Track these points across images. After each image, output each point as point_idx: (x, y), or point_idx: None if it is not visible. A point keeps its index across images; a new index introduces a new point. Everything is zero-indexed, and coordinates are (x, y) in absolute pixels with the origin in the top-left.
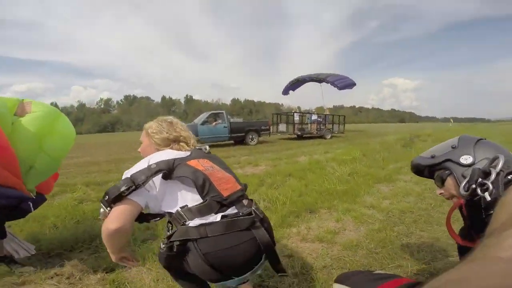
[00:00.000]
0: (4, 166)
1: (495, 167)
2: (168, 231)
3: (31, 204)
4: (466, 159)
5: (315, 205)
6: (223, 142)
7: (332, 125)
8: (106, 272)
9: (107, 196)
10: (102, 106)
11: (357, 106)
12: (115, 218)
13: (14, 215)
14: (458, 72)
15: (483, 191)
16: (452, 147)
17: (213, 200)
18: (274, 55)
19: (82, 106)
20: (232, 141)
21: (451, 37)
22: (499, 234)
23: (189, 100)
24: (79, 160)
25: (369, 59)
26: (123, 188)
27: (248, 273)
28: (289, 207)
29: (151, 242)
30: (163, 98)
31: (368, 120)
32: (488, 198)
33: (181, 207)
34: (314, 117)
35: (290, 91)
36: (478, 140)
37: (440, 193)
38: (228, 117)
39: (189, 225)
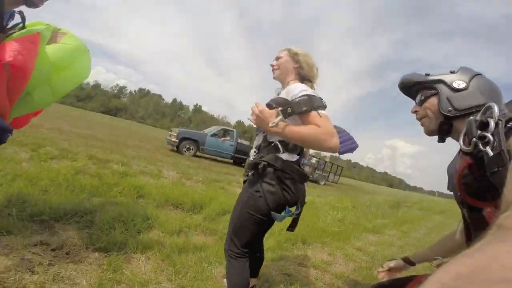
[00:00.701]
0: (10, 90)
1: (491, 116)
2: (258, 151)
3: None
4: (459, 84)
5: (309, 238)
6: (224, 159)
7: (329, 173)
8: (99, 251)
9: (305, 107)
10: (115, 92)
11: (352, 161)
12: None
13: None
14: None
15: (484, 144)
16: (451, 72)
17: (300, 151)
18: None
19: (97, 86)
20: (231, 161)
21: None
22: None
23: (197, 109)
24: (83, 132)
25: (381, 113)
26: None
27: (296, 211)
28: (285, 235)
29: (149, 231)
30: (174, 100)
31: (360, 178)
32: (491, 153)
33: (279, 141)
34: (313, 160)
35: None
36: (479, 73)
37: (415, 111)
38: (237, 137)
39: (281, 157)
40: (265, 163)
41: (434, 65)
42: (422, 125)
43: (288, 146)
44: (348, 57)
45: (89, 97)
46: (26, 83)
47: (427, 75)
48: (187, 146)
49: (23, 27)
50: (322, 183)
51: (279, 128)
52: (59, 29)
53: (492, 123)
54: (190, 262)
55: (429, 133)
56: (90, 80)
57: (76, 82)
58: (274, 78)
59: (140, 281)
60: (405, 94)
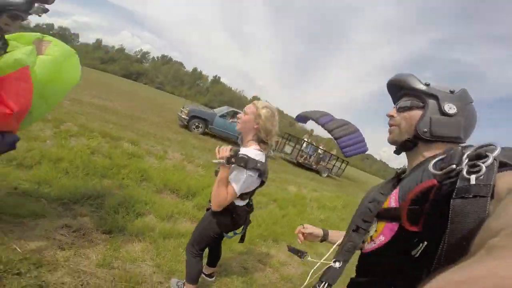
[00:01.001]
0: (20, 115)
1: (491, 151)
2: None
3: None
4: (450, 108)
5: (281, 237)
6: (231, 140)
7: (333, 166)
8: (105, 233)
9: (242, 163)
10: (138, 56)
11: (366, 153)
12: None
13: None
14: None
15: (470, 173)
16: (450, 91)
17: (248, 197)
18: (310, 71)
19: (121, 50)
20: (238, 142)
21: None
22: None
23: (216, 80)
24: (102, 104)
25: None
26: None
27: (242, 231)
28: (261, 230)
29: (145, 216)
30: (194, 69)
31: (371, 171)
32: (473, 182)
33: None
34: (319, 151)
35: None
36: (472, 101)
37: (390, 115)
38: None
39: (236, 204)
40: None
41: (472, 69)
42: (389, 131)
43: (241, 195)
44: (382, 49)
45: (112, 60)
46: (27, 113)
47: (427, 84)
48: (196, 124)
49: (5, 49)
50: (325, 175)
51: (220, 165)
52: (43, 36)
53: (491, 158)
54: (170, 246)
55: (392, 142)
56: (116, 43)
57: (67, 88)
58: (237, 129)
59: (131, 258)
60: (390, 92)
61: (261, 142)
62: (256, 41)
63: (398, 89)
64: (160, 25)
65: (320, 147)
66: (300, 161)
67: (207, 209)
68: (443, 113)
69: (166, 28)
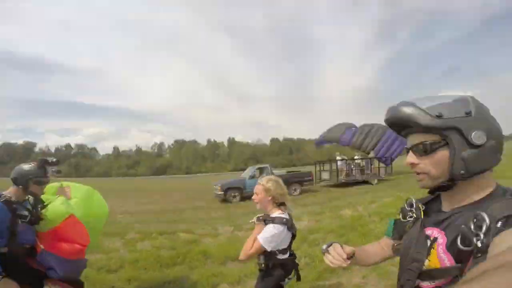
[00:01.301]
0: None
1: (483, 221)
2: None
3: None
4: (478, 137)
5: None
6: None
7: (379, 169)
8: None
9: (270, 220)
10: (155, 150)
11: None
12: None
13: None
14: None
15: (477, 240)
16: (466, 114)
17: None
18: (308, 87)
19: (139, 150)
20: None
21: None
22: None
23: (231, 142)
24: (146, 207)
25: (412, 73)
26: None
27: (294, 275)
28: (326, 265)
29: (220, 285)
30: (209, 141)
31: None
32: (479, 245)
33: (278, 250)
34: (357, 160)
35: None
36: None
37: (411, 163)
38: (272, 170)
39: (278, 257)
40: (271, 264)
41: (434, 9)
42: (418, 179)
43: (281, 250)
44: (348, 34)
45: (136, 163)
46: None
47: (439, 116)
48: (233, 194)
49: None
50: (375, 182)
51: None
52: (61, 184)
53: (484, 226)
54: None
55: (425, 188)
56: (132, 145)
57: (103, 219)
58: (257, 208)
59: None
60: (392, 128)
61: (280, 205)
62: (248, 86)
63: (400, 127)
64: (160, 112)
65: (356, 157)
66: (343, 180)
67: (259, 270)
68: (473, 145)
69: (166, 113)
